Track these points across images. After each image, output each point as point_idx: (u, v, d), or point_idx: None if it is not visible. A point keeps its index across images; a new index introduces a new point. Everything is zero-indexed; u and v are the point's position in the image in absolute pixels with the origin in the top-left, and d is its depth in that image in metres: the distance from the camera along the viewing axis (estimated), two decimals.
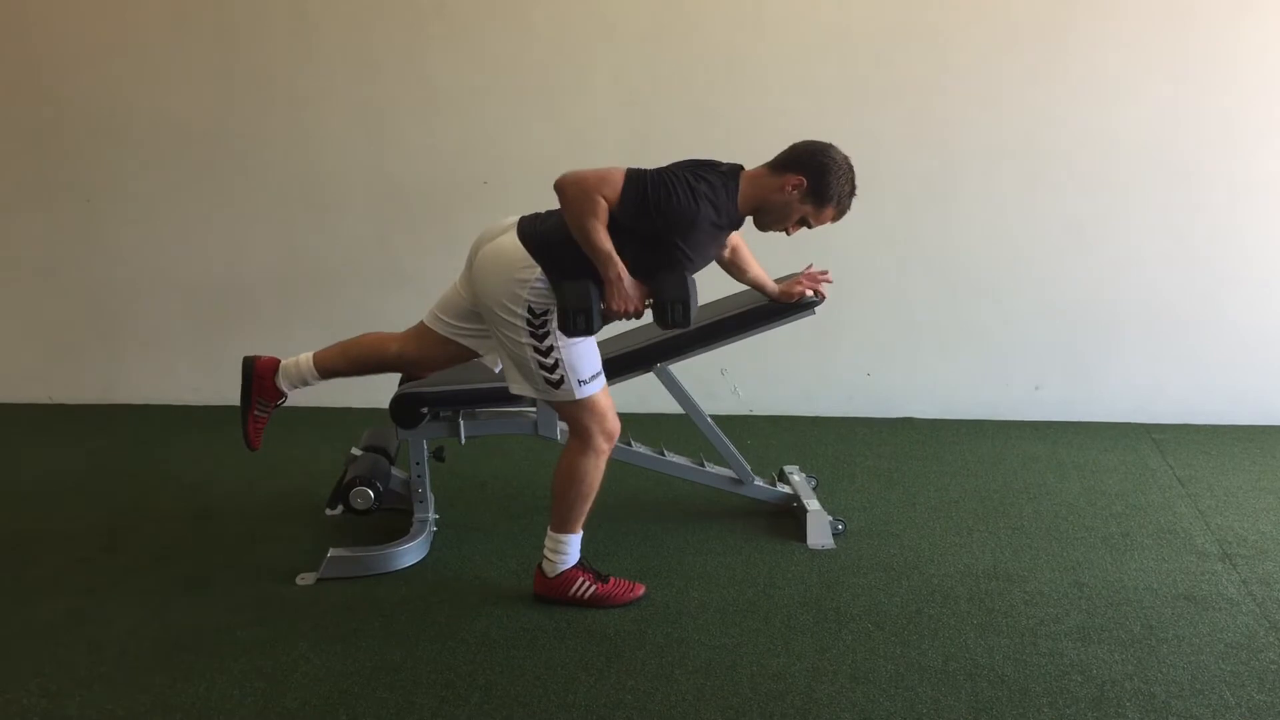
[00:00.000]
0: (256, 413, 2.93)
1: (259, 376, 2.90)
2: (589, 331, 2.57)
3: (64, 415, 4.52)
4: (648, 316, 2.66)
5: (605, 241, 2.49)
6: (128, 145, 4.32)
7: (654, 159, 2.74)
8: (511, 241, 2.59)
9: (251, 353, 2.95)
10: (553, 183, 2.49)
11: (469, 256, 2.70)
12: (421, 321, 2.87)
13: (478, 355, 2.87)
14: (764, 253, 3.06)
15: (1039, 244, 4.07)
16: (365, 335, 2.95)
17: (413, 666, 2.57)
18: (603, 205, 2.46)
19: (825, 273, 3.06)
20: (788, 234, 2.68)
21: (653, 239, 2.52)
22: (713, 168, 2.61)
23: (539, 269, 2.55)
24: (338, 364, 2.91)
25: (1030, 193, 4.02)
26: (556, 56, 4.06)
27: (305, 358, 2.91)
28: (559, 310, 2.56)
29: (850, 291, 4.00)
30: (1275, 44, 3.79)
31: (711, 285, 3.04)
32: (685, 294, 2.54)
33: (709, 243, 2.60)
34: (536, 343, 2.59)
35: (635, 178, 2.49)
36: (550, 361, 2.60)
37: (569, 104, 4.10)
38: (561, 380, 2.62)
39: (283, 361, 2.92)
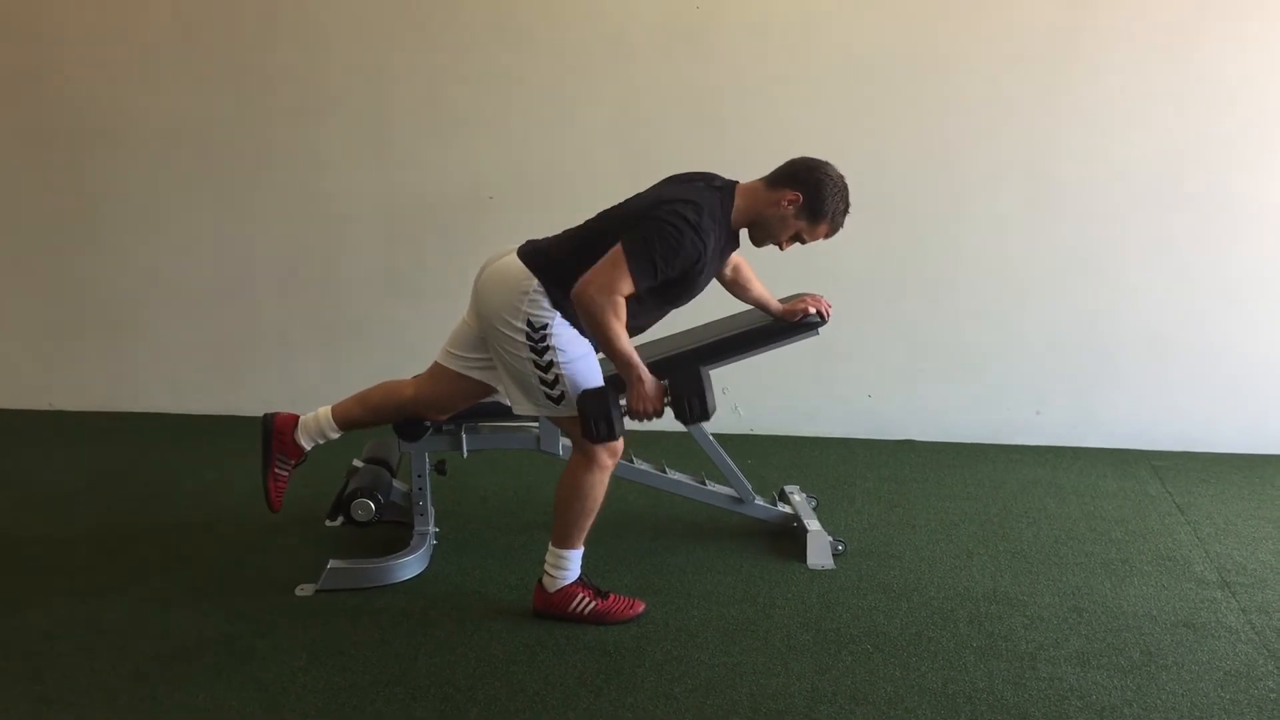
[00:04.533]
0: (277, 470, 2.91)
1: (279, 432, 2.90)
2: (612, 436, 2.63)
3: (65, 422, 4.52)
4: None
5: (626, 345, 2.55)
6: (134, 152, 4.33)
7: (657, 175, 2.77)
8: (512, 260, 2.64)
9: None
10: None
11: (474, 285, 2.72)
12: (435, 361, 2.88)
13: (493, 391, 2.86)
14: (770, 273, 3.07)
15: (1041, 269, 4.08)
16: (381, 383, 2.97)
17: (411, 680, 2.56)
18: (620, 304, 2.49)
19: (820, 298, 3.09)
20: (781, 249, 2.71)
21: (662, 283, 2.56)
22: (707, 183, 2.64)
23: (536, 280, 2.58)
24: (355, 413, 2.92)
25: (1033, 217, 4.04)
26: (563, 72, 4.08)
27: (324, 411, 2.93)
28: (580, 417, 2.62)
29: (853, 313, 4.00)
30: (1276, 72, 3.82)
31: (715, 304, 3.06)
32: (700, 388, 2.63)
33: (714, 265, 2.65)
34: (536, 357, 2.59)
35: (639, 250, 2.47)
36: (551, 377, 2.60)
37: (575, 119, 4.12)
38: (563, 396, 2.63)
39: (301, 417, 2.92)
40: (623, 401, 2.67)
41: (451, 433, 3.11)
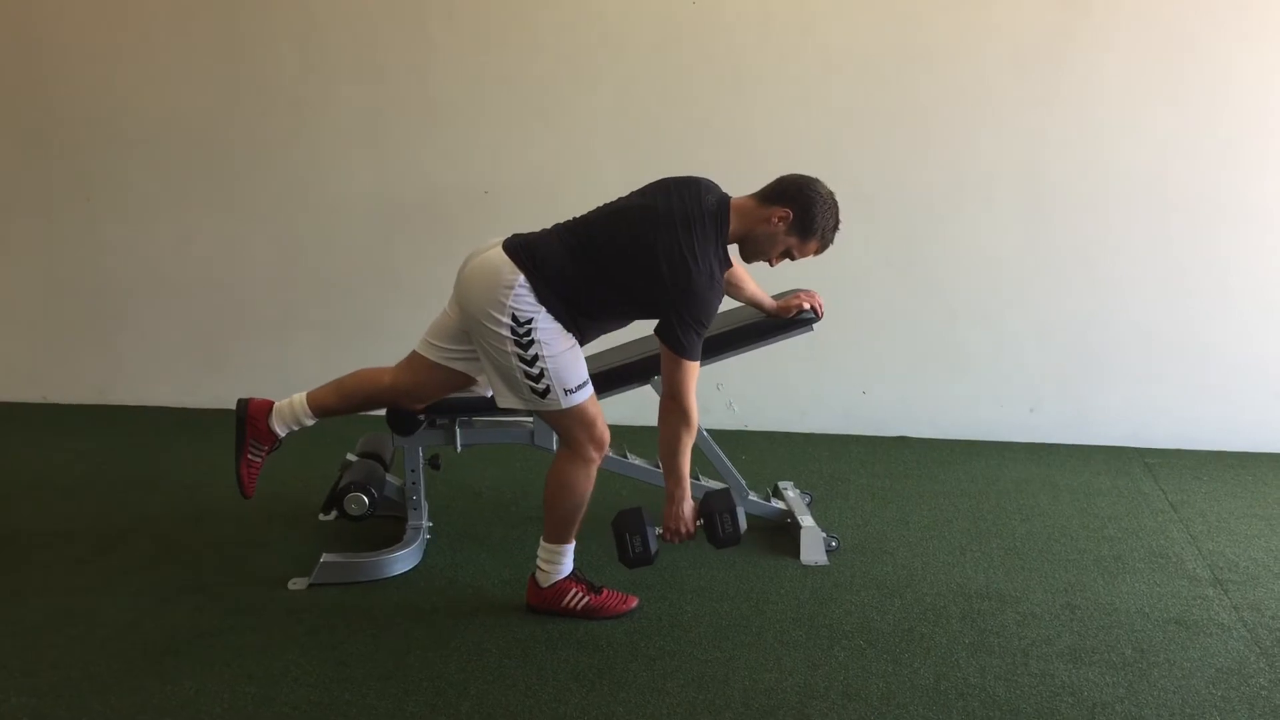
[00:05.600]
0: (250, 457, 2.87)
1: (252, 419, 2.86)
2: (647, 559, 2.74)
3: (58, 416, 4.51)
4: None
5: (687, 466, 2.69)
6: (128, 147, 4.32)
7: (653, 174, 2.76)
8: (497, 254, 2.62)
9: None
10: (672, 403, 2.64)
11: (457, 276, 2.71)
12: (413, 350, 2.85)
13: (472, 382, 2.85)
14: (764, 269, 3.06)
15: (1035, 267, 4.09)
16: (358, 371, 2.94)
17: (404, 674, 2.56)
18: (692, 404, 2.63)
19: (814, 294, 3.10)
20: (771, 264, 2.72)
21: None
22: (700, 200, 2.62)
23: (522, 275, 2.57)
24: (331, 401, 2.88)
25: (1027, 216, 4.04)
26: (560, 69, 4.08)
27: (299, 398, 2.89)
28: (617, 537, 2.72)
29: (847, 310, 4.01)
30: (1272, 73, 3.82)
31: None
32: (733, 505, 2.72)
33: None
34: (521, 351, 2.59)
35: (682, 339, 2.57)
36: (535, 371, 2.60)
37: (571, 116, 4.12)
38: (548, 390, 2.62)
39: (276, 403, 2.89)
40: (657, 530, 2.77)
41: (445, 427, 3.11)
